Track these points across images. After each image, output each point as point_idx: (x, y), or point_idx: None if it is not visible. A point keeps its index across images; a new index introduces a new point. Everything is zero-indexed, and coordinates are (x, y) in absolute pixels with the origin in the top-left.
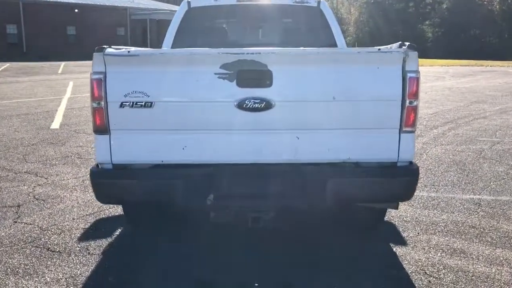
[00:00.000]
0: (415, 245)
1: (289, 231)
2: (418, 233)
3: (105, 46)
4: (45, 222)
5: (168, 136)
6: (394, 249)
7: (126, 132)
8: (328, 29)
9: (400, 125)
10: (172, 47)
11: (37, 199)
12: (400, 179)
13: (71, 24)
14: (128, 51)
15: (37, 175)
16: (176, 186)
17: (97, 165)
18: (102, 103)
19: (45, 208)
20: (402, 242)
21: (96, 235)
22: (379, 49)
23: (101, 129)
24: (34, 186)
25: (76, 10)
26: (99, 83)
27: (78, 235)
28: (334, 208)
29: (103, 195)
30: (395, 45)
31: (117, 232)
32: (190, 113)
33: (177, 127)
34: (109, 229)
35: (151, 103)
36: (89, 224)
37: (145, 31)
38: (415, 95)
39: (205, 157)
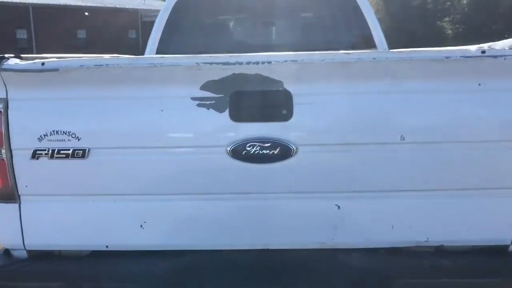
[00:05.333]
0: None
1: None
2: None
3: (5, 56)
4: None
5: (115, 205)
6: None
7: (46, 199)
8: (364, 24)
9: None
10: (158, 52)
11: None
12: None
13: (82, 27)
14: (43, 63)
15: None
16: None
17: (4, 251)
18: (3, 151)
19: None
20: None
21: None
22: (483, 52)
23: (4, 194)
24: None
25: (86, 13)
26: None
27: None
28: None
29: None
30: (502, 44)
31: None
32: (151, 168)
33: (129, 191)
34: None
35: (85, 150)
36: None
37: None
38: None
39: (178, 239)
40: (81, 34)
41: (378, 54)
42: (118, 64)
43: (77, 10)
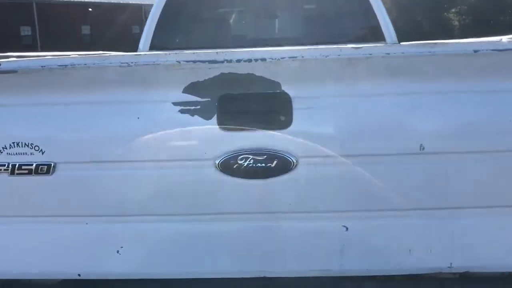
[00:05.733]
0: None
1: None
2: None
3: None
4: None
5: (88, 228)
6: None
7: (7, 221)
8: (371, 14)
9: None
10: (152, 48)
11: None
12: None
13: (86, 23)
14: None
15: None
16: None
17: None
18: None
19: None
20: None
21: None
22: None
23: None
24: None
25: (90, 9)
26: None
27: None
28: None
29: None
30: None
31: None
32: (127, 185)
33: (103, 212)
34: None
35: (50, 165)
36: None
37: None
38: None
39: (160, 266)
40: (86, 30)
41: (392, 48)
42: (85, 64)
43: (81, 5)
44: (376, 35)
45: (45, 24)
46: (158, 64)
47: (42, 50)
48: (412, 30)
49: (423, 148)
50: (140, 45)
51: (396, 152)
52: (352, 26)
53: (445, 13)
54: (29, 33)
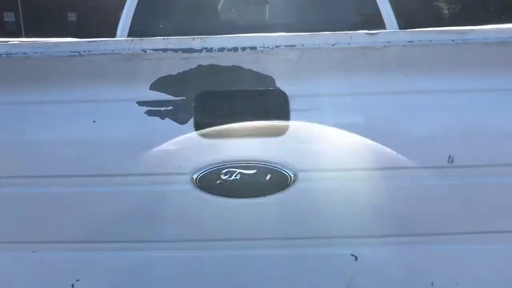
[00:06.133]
0: None
1: None
2: None
3: None
4: None
5: (34, 257)
6: None
7: None
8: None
9: None
10: (129, 35)
11: None
12: None
13: (72, 10)
14: None
15: None
16: None
17: None
18: None
19: None
20: None
21: None
22: None
23: None
24: None
25: None
26: None
27: None
28: None
29: None
30: None
31: None
32: (82, 205)
33: (53, 237)
34: None
35: None
36: None
37: None
38: None
39: None
40: (72, 16)
41: (416, 34)
42: (24, 53)
43: None
44: (376, 21)
45: (29, 10)
46: (118, 54)
47: (26, 38)
48: (405, 21)
49: (452, 161)
50: (118, 31)
51: (419, 165)
52: (349, 12)
53: (435, 2)
54: (13, 19)
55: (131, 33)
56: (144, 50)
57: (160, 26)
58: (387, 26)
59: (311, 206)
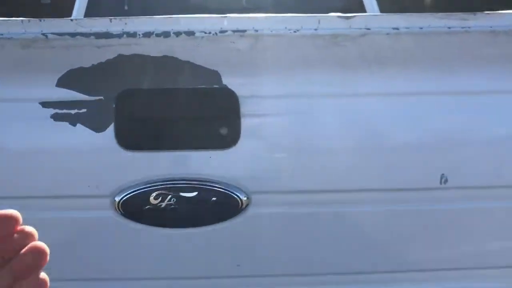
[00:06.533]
0: None
1: None
2: None
3: None
4: None
5: None
6: None
7: None
8: None
9: None
10: (87, 15)
11: None
12: None
13: None
14: None
15: None
16: None
17: None
18: None
19: None
20: None
21: None
22: None
23: None
24: None
25: None
26: None
27: None
28: None
29: None
30: None
31: None
32: None
33: None
34: None
35: None
36: None
37: None
38: None
39: None
40: None
41: (403, 19)
42: None
43: None
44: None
45: None
46: (10, 39)
47: None
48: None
49: (446, 181)
50: (74, 11)
51: (407, 186)
52: None
53: None
54: None
55: (88, 14)
56: (44, 35)
57: (126, 8)
58: (367, 10)
59: (267, 237)
